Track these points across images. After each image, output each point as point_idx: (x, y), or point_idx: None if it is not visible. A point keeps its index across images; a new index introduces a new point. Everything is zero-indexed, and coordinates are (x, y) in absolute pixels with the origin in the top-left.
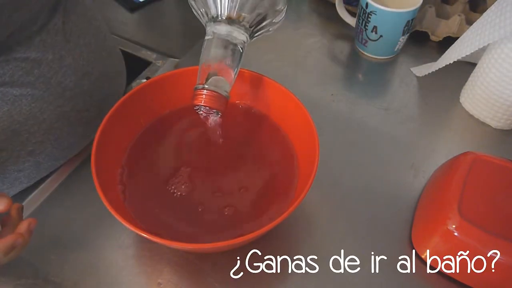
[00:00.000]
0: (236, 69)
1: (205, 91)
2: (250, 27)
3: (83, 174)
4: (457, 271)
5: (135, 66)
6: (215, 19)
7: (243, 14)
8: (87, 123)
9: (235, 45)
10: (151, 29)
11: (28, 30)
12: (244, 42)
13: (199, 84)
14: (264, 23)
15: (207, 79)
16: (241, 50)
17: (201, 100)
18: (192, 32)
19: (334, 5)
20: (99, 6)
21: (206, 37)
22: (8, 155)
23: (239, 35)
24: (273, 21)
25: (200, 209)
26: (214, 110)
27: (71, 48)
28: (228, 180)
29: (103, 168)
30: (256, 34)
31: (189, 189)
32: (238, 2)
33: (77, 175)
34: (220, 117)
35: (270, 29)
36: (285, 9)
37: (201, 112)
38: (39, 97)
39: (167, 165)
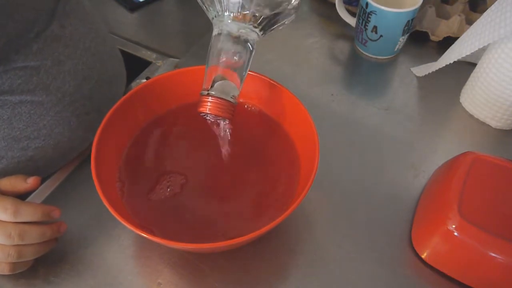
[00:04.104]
0: (245, 70)
1: (210, 98)
2: (260, 24)
3: (82, 174)
4: (457, 271)
5: (135, 66)
6: (222, 16)
7: (250, 13)
8: (87, 126)
9: (245, 42)
10: (151, 29)
11: (24, 37)
12: (255, 39)
13: (205, 89)
14: (278, 17)
15: (213, 83)
16: (251, 48)
17: (206, 108)
18: (192, 32)
19: (334, 5)
20: (99, 7)
21: (214, 33)
22: (8, 161)
23: (249, 33)
24: (288, 15)
25: (199, 208)
26: (221, 118)
27: (70, 53)
28: (228, 179)
29: (103, 166)
30: (270, 29)
31: (188, 188)
32: (242, 3)
33: (76, 175)
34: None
35: (286, 22)
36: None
37: (208, 118)
38: (38, 103)
39: (165, 163)
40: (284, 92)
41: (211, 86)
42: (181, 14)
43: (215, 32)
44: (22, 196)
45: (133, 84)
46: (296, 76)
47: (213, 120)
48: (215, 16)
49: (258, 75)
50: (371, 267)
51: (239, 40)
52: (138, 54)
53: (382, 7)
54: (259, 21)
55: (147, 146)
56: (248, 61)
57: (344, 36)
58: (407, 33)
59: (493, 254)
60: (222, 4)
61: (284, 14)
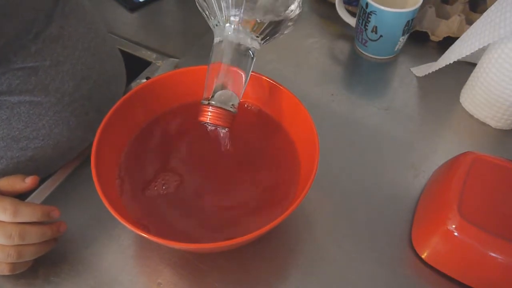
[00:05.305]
0: (246, 78)
1: (210, 107)
2: (261, 33)
3: (82, 174)
4: (457, 271)
5: (135, 66)
6: (223, 25)
7: (251, 23)
8: (86, 126)
9: (247, 50)
10: (151, 29)
11: (23, 38)
12: (255, 48)
13: (205, 99)
14: (279, 27)
15: (214, 93)
16: (252, 56)
17: (207, 118)
18: (192, 32)
19: (334, 5)
20: (98, 7)
21: (215, 41)
22: (8, 161)
23: (251, 41)
24: (288, 24)
25: (199, 208)
26: (220, 127)
27: (69, 53)
28: (228, 179)
29: (103, 167)
30: (271, 38)
31: (188, 187)
32: (244, 12)
33: (76, 175)
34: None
35: (286, 31)
36: (300, 8)
37: (208, 126)
38: (37, 103)
39: (165, 163)
40: (284, 92)
41: (212, 96)
42: (181, 14)
43: (216, 40)
44: (21, 196)
45: (133, 84)
46: (296, 76)
47: (213, 128)
48: (216, 25)
49: (258, 75)
50: (371, 267)
51: (240, 49)
52: (138, 54)
53: (382, 7)
54: (260, 31)
55: (147, 146)
56: (249, 69)
57: (344, 36)
58: (407, 33)
59: (493, 254)
60: (223, 14)
61: (285, 24)
